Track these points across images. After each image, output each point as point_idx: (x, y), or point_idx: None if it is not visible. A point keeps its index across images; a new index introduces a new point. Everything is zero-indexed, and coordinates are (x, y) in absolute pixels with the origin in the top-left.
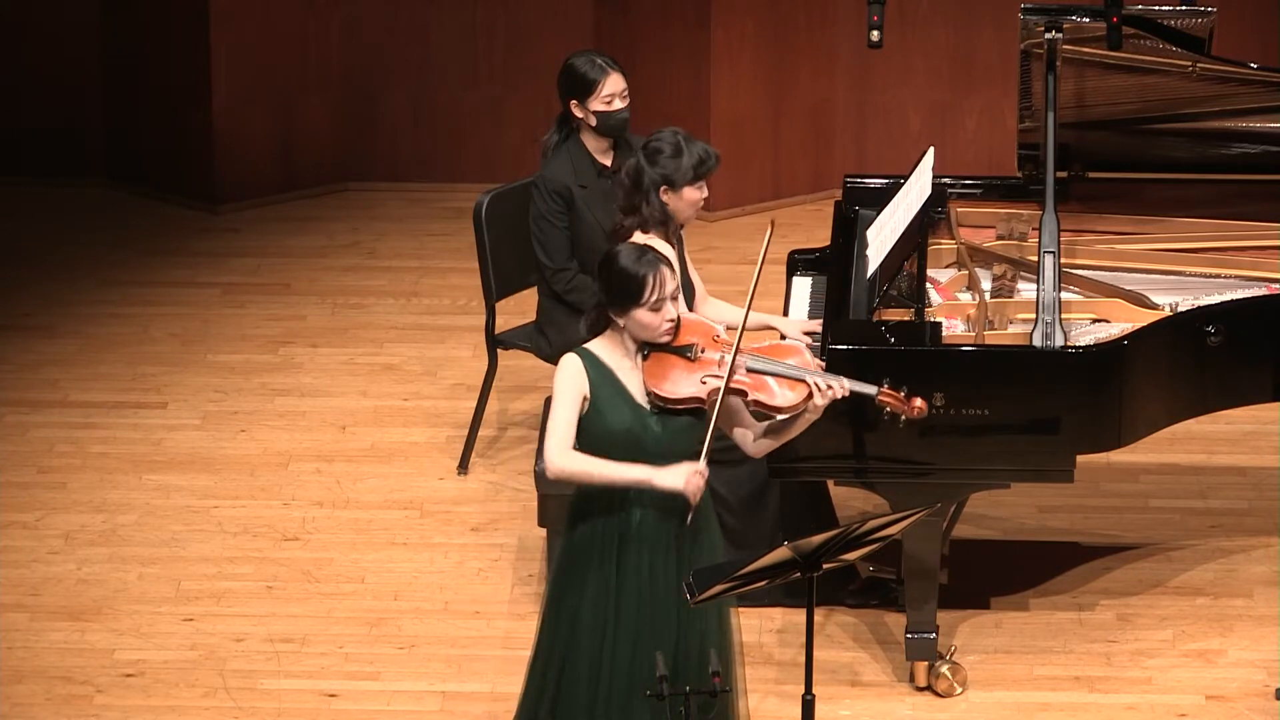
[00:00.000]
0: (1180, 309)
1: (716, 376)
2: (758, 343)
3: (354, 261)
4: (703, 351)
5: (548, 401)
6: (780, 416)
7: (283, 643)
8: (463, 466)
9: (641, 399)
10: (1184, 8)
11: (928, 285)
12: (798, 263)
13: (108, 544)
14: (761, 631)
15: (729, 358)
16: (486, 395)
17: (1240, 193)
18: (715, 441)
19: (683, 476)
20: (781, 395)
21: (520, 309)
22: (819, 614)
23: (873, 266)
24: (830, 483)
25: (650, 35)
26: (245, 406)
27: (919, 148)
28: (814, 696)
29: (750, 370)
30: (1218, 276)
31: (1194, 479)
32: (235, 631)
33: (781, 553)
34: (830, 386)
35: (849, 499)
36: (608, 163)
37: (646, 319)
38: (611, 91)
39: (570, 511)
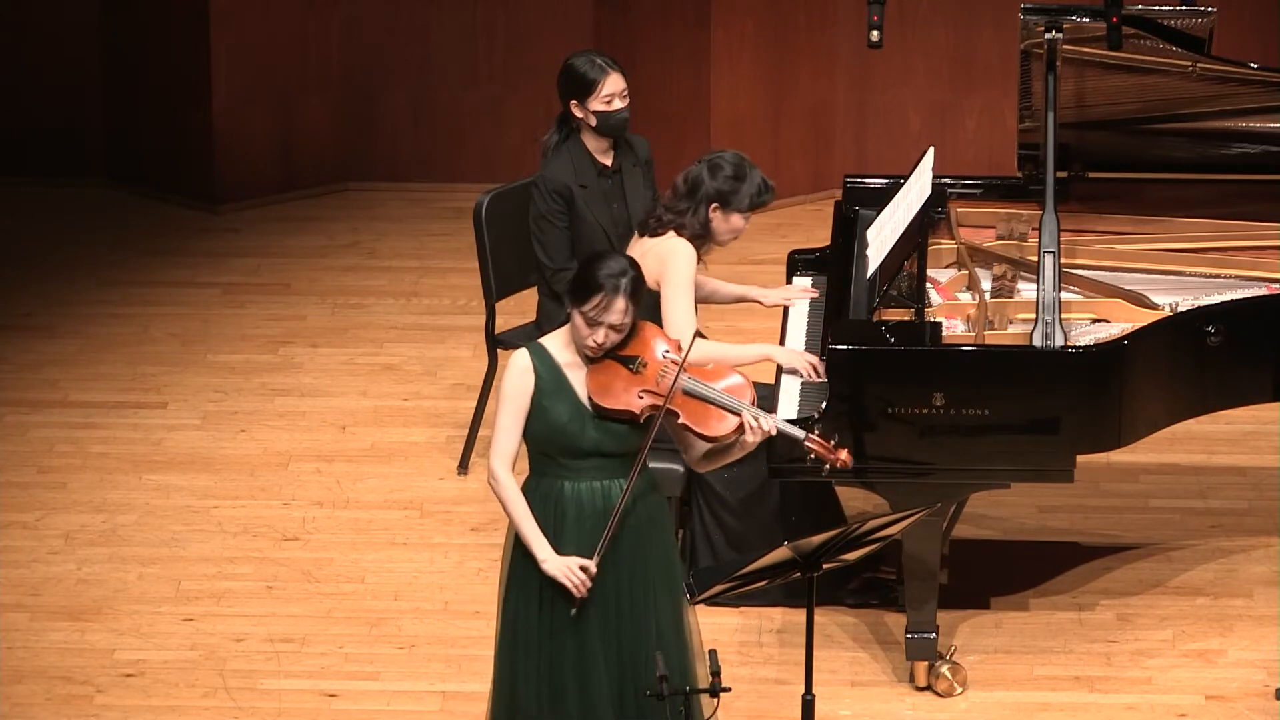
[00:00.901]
0: (1180, 309)
1: (652, 393)
2: (704, 367)
3: (354, 261)
4: (645, 366)
5: None
6: (712, 444)
7: (283, 643)
8: (463, 466)
9: (584, 398)
10: (1184, 8)
11: (928, 285)
12: (798, 263)
13: (108, 544)
14: (761, 631)
15: (670, 378)
16: (486, 395)
17: (1240, 193)
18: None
19: (561, 571)
20: (714, 424)
21: (520, 309)
22: (819, 614)
23: (873, 266)
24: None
25: (650, 35)
26: (245, 406)
27: (919, 148)
28: (814, 696)
29: (687, 393)
30: (1218, 276)
31: (1194, 479)
32: (235, 631)
33: (781, 553)
34: (760, 423)
35: (849, 499)
36: (608, 163)
37: (579, 324)
38: (611, 91)
39: None
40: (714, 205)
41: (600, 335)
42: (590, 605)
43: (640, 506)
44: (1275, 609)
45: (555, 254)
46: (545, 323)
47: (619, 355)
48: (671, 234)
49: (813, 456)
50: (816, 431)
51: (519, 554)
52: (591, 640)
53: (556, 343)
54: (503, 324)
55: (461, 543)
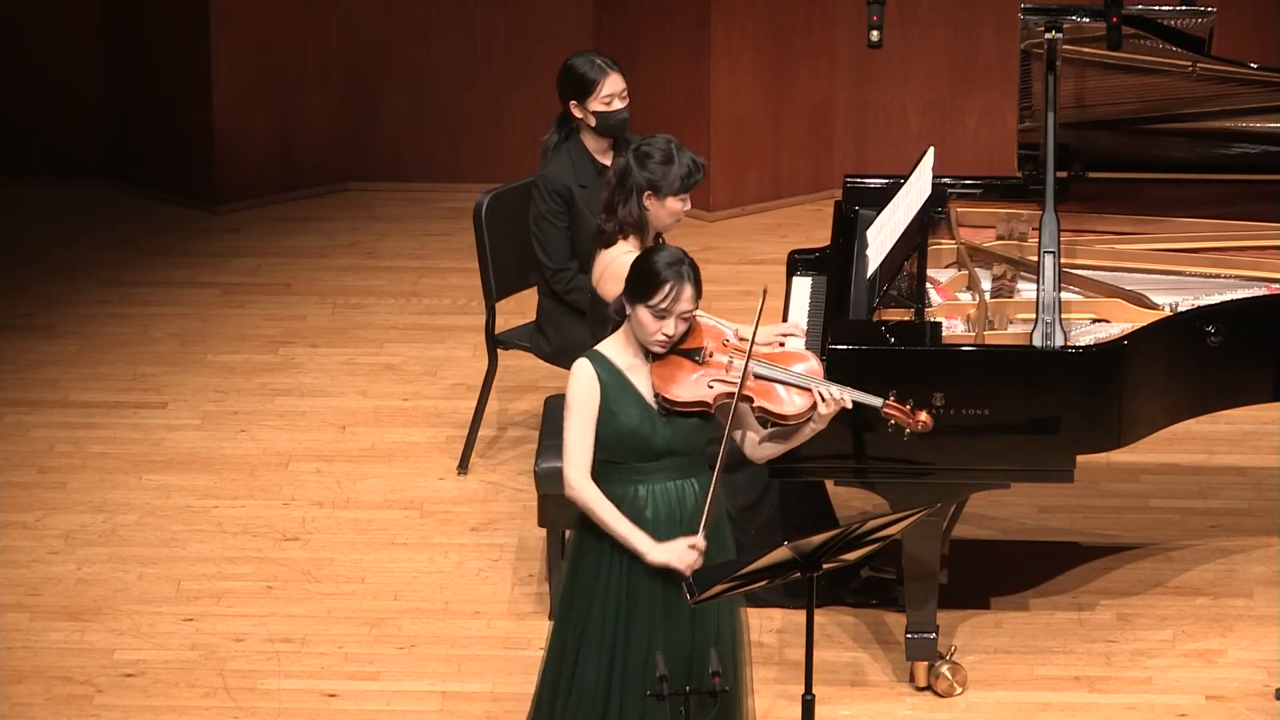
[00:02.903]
0: (1180, 309)
1: (723, 381)
2: (767, 348)
3: (354, 261)
4: (711, 355)
5: (548, 401)
6: (785, 424)
7: (283, 643)
8: (463, 466)
9: (650, 399)
10: (1184, 8)
11: (928, 285)
12: (798, 263)
13: (108, 544)
14: (761, 631)
15: (738, 362)
16: (486, 395)
17: (1240, 193)
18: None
19: (676, 554)
20: (789, 403)
21: (520, 309)
22: (819, 614)
23: (873, 266)
24: (830, 483)
25: (650, 35)
26: (245, 406)
27: (919, 148)
28: (814, 696)
29: (757, 376)
30: (1218, 276)
31: (1194, 479)
32: (235, 631)
33: (781, 553)
34: (837, 396)
35: (849, 499)
36: (607, 163)
37: (646, 320)
38: (611, 92)
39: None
40: (647, 194)
41: (671, 326)
42: (662, 614)
43: (717, 520)
44: (1275, 609)
45: (555, 254)
46: (545, 323)
47: (682, 349)
48: (621, 243)
49: (892, 423)
50: (892, 397)
51: (586, 563)
52: (657, 648)
53: (613, 347)
54: (503, 324)
55: (461, 543)
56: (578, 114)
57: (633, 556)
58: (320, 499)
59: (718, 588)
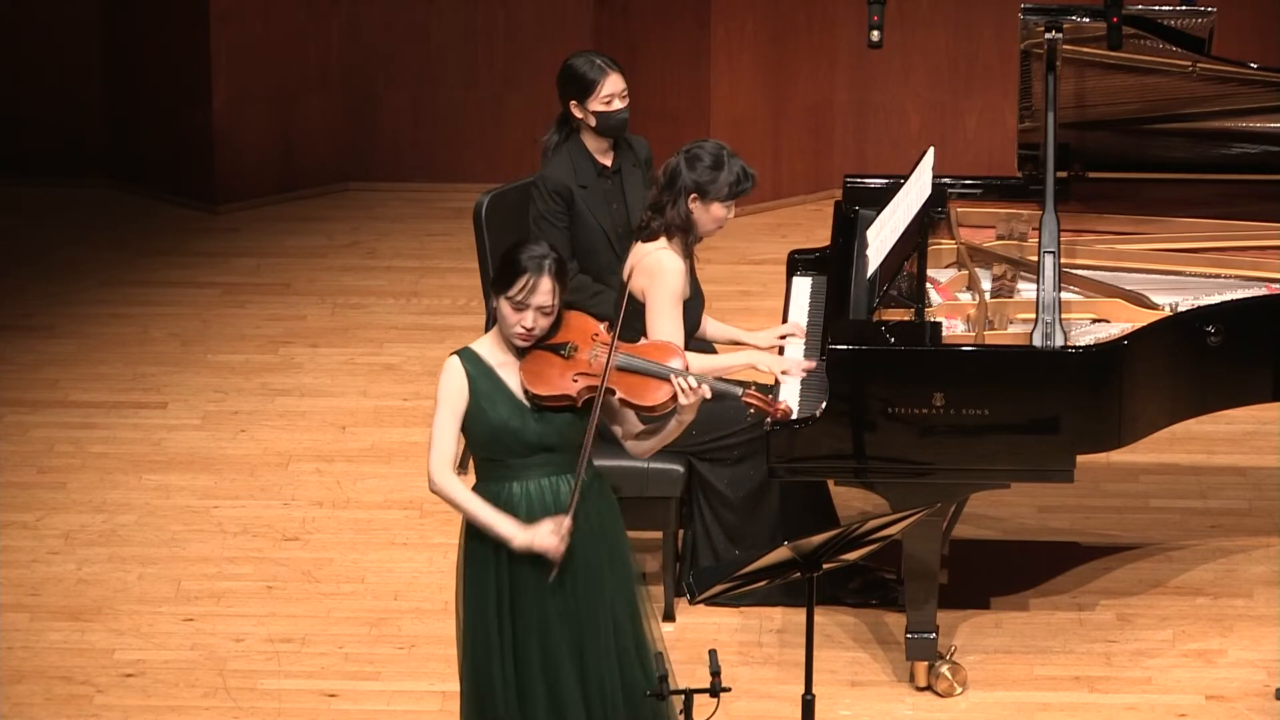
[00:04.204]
0: (1180, 309)
1: (586, 374)
2: (635, 343)
3: (354, 261)
4: (576, 350)
5: None
6: (651, 415)
7: (283, 643)
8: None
9: (521, 395)
10: (1184, 8)
11: (928, 285)
12: (798, 263)
13: (108, 544)
14: (761, 631)
15: (603, 355)
16: None
17: (1240, 193)
18: (701, 445)
19: (540, 538)
20: (649, 393)
21: None
22: (819, 614)
23: (873, 266)
24: (830, 483)
25: (650, 35)
26: (245, 406)
27: (919, 148)
28: (814, 696)
29: (619, 369)
30: (1218, 276)
31: (1194, 479)
32: (235, 631)
33: (781, 553)
34: (695, 386)
35: (849, 499)
36: (608, 163)
37: (506, 312)
38: (611, 92)
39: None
40: (693, 196)
41: (529, 319)
42: (549, 605)
43: (590, 502)
44: (1275, 609)
45: None
46: None
47: (549, 345)
48: (663, 241)
49: (752, 412)
50: (753, 387)
51: (472, 559)
52: (556, 641)
53: (486, 346)
54: None
55: None
56: (578, 114)
57: (511, 577)
58: (320, 499)
59: (718, 588)
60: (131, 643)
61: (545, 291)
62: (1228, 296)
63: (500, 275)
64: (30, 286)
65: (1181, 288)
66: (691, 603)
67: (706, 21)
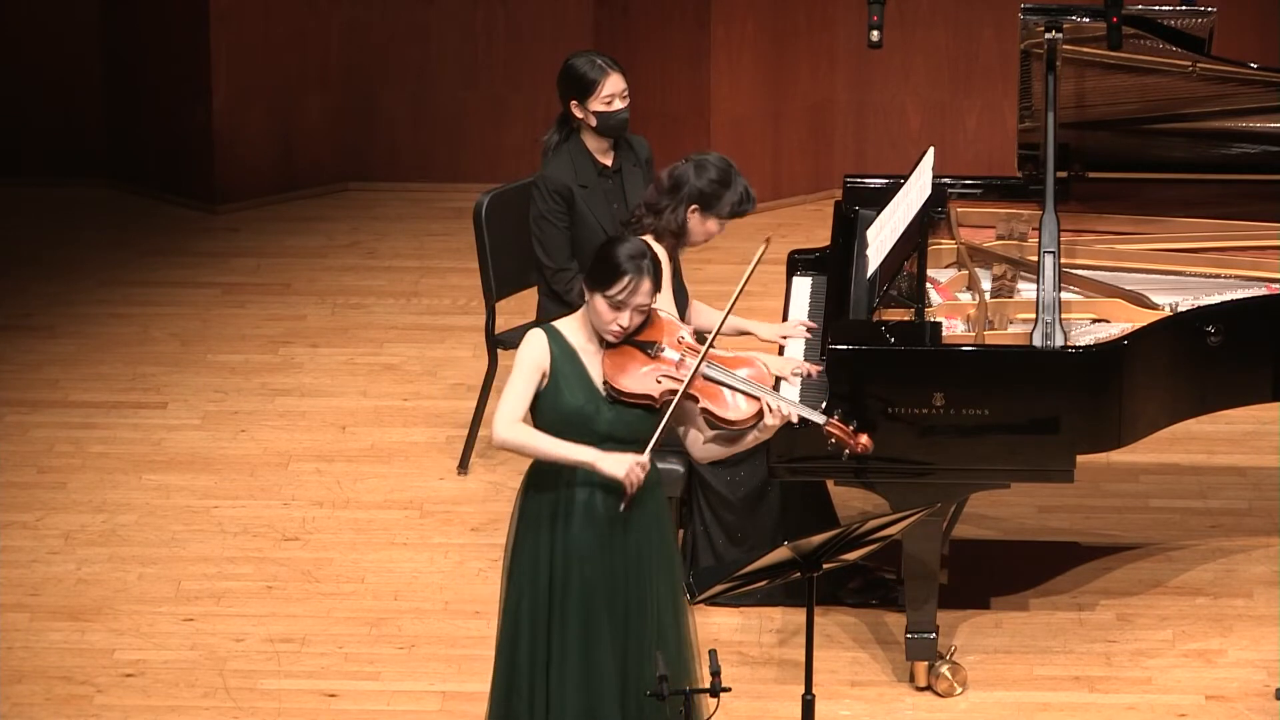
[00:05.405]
0: (1180, 309)
1: (671, 378)
2: (723, 352)
3: (354, 261)
4: (662, 351)
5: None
6: (730, 429)
7: (283, 643)
8: (463, 466)
9: (599, 383)
10: (1184, 8)
11: (928, 285)
12: (798, 263)
13: (108, 544)
14: (761, 631)
15: (690, 360)
16: (486, 395)
17: (1240, 193)
18: (666, 437)
19: (624, 466)
20: (733, 408)
21: (520, 309)
22: (819, 614)
23: (873, 266)
24: (830, 483)
25: (650, 35)
26: (245, 406)
27: (919, 148)
28: (814, 696)
29: (707, 378)
30: (1218, 276)
31: (1194, 479)
32: (235, 631)
33: (781, 553)
34: (785, 411)
35: (849, 499)
36: (608, 163)
37: (602, 309)
38: (611, 92)
39: (523, 483)
40: (694, 206)
41: (626, 318)
42: (595, 599)
43: (648, 499)
44: (1275, 609)
45: (555, 254)
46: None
47: (636, 340)
48: (650, 239)
49: (833, 441)
50: (837, 416)
51: (521, 552)
52: (598, 641)
53: (571, 326)
54: (503, 324)
55: (461, 543)
56: (578, 114)
57: (567, 531)
58: (320, 499)
59: (718, 588)
60: (131, 643)
61: (645, 293)
62: (1228, 296)
63: (597, 273)
64: (30, 286)
65: (1181, 288)
66: (691, 603)
67: (706, 22)
